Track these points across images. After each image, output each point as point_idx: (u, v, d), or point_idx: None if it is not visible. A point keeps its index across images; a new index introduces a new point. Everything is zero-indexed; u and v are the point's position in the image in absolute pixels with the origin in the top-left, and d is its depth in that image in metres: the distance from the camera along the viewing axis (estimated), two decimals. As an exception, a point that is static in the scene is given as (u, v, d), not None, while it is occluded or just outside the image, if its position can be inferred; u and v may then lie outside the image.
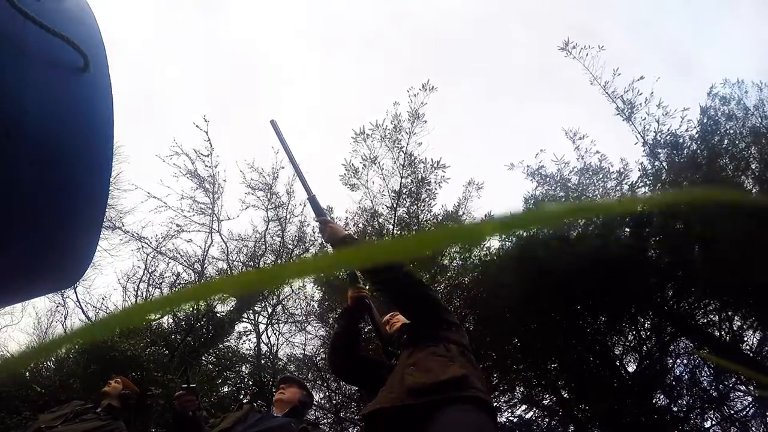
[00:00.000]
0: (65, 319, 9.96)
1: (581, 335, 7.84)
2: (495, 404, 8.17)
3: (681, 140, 8.18)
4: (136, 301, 9.73)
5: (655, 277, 7.09)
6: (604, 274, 6.63)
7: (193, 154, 9.73)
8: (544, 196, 8.86)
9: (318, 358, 9.42)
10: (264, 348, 9.93)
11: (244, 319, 9.92)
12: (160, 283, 9.75)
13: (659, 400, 7.87)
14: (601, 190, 8.76)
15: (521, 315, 7.60)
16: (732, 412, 7.65)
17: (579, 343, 7.75)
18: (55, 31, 0.65)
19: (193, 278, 9.88)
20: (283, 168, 10.05)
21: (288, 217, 10.33)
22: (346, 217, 9.70)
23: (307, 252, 10.33)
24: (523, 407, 8.64)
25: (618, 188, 8.68)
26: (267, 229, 10.32)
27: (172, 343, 8.31)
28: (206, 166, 9.88)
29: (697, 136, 8.16)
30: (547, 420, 8.62)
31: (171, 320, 8.74)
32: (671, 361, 8.05)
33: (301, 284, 9.38)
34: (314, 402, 7.72)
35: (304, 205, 9.97)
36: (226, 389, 8.82)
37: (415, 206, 9.33)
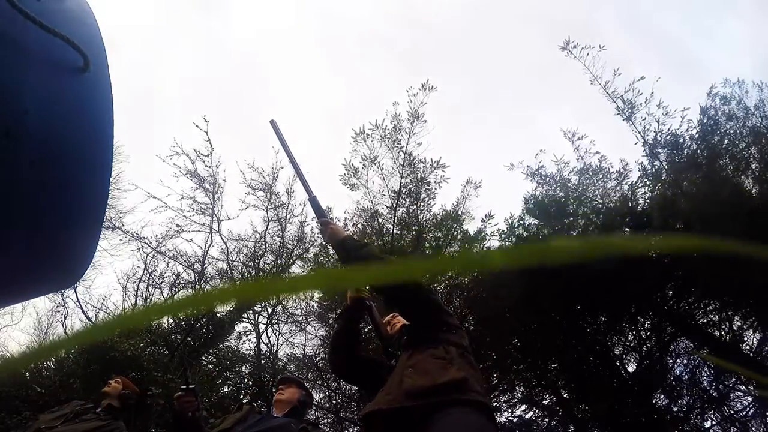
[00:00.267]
0: (65, 319, 9.97)
1: (581, 335, 7.84)
2: (495, 404, 8.17)
3: (681, 140, 8.18)
4: (135, 301, 9.74)
5: (655, 277, 7.09)
6: (604, 274, 6.64)
7: (193, 154, 9.74)
8: (544, 196, 8.86)
9: (318, 358, 9.43)
10: (264, 348, 9.94)
11: (244, 319, 9.92)
12: (160, 283, 9.75)
13: (659, 400, 7.88)
14: (601, 190, 8.76)
15: (521, 315, 7.61)
16: (732, 412, 7.65)
17: (579, 343, 7.76)
18: (55, 31, 0.65)
19: (192, 278, 9.89)
20: (282, 168, 10.06)
21: (288, 217, 10.34)
22: (345, 218, 9.71)
23: (306, 252, 10.33)
24: (523, 407, 8.65)
25: (618, 188, 8.69)
26: (267, 229, 10.33)
27: (172, 343, 8.31)
28: (206, 166, 9.89)
29: (697, 136, 8.16)
30: (547, 420, 8.63)
31: (171, 320, 8.74)
32: (671, 361, 8.06)
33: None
34: (314, 402, 7.72)
35: (304, 205, 9.98)
36: (226, 389, 8.83)
37: (415, 206, 9.33)
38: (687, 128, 8.22)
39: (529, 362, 8.11)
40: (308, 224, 10.17)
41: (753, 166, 7.74)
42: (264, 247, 10.35)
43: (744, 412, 7.58)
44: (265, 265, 10.28)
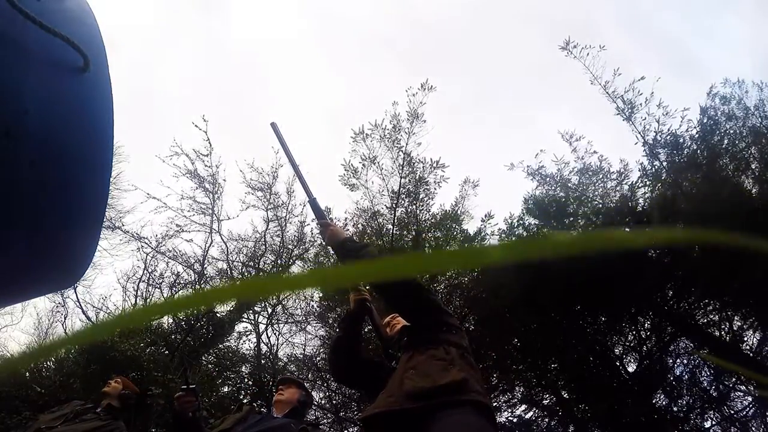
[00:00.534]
0: (65, 319, 9.97)
1: (581, 335, 7.84)
2: (495, 404, 8.17)
3: (681, 140, 8.18)
4: (135, 301, 9.73)
5: (655, 277, 7.09)
6: (604, 274, 6.63)
7: (193, 154, 9.74)
8: (544, 196, 8.86)
9: (318, 358, 9.42)
10: (264, 348, 9.93)
11: (244, 319, 9.92)
12: (160, 283, 9.75)
13: (659, 400, 7.88)
14: (601, 190, 8.76)
15: (521, 315, 7.61)
16: (732, 412, 7.65)
17: (579, 343, 7.76)
18: (55, 31, 0.65)
19: (192, 278, 9.89)
20: (282, 166, 10.05)
21: (287, 217, 10.34)
22: (346, 218, 9.71)
23: (306, 252, 10.33)
24: (523, 407, 8.65)
25: (618, 188, 8.69)
26: (267, 229, 10.33)
27: (172, 343, 8.30)
28: (206, 165, 9.88)
29: (697, 136, 8.17)
30: (547, 420, 8.62)
31: (171, 320, 8.74)
32: (671, 361, 8.05)
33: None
34: (314, 402, 7.72)
35: (304, 205, 9.98)
36: (226, 389, 8.82)
37: (414, 206, 9.32)
38: (687, 128, 8.23)
39: (529, 362, 8.11)
40: (308, 224, 10.18)
41: (753, 166, 7.75)
42: (264, 247, 10.35)
43: (744, 412, 7.59)
44: (265, 265, 10.28)
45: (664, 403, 7.88)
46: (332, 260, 9.01)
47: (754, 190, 7.39)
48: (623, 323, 7.99)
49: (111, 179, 0.79)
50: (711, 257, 6.45)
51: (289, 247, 10.38)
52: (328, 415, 9.16)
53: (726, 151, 7.84)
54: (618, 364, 8.11)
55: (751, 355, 7.53)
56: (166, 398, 5.77)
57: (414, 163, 9.21)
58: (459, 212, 9.49)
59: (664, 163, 8.32)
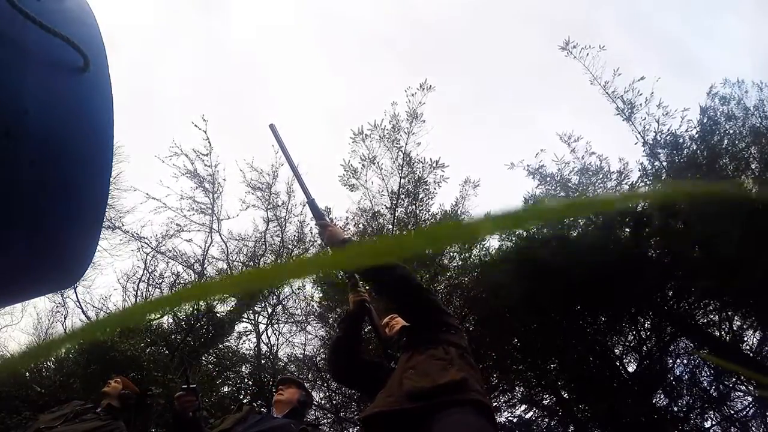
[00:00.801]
0: (65, 319, 9.97)
1: (581, 335, 7.84)
2: (495, 404, 8.17)
3: (681, 140, 8.18)
4: (136, 301, 9.73)
5: (655, 277, 7.09)
6: (604, 274, 6.63)
7: (193, 154, 9.74)
8: (544, 196, 8.86)
9: (318, 358, 9.42)
10: (264, 348, 9.93)
11: (244, 319, 9.92)
12: (160, 283, 9.75)
13: (659, 400, 7.87)
14: (601, 190, 8.75)
15: (521, 315, 7.60)
16: (732, 412, 7.65)
17: (579, 343, 7.75)
18: (55, 31, 0.65)
19: (193, 278, 9.89)
20: (282, 165, 10.06)
21: (287, 216, 10.34)
22: (347, 218, 9.71)
23: (306, 252, 10.33)
24: (523, 407, 8.64)
25: (618, 188, 8.68)
26: (267, 229, 10.33)
27: (172, 343, 8.30)
28: (206, 165, 9.89)
29: (697, 136, 8.16)
30: (547, 420, 8.62)
31: (171, 320, 8.75)
32: (671, 361, 8.05)
33: (301, 284, 9.38)
34: (314, 402, 7.72)
35: (304, 205, 9.98)
36: (226, 389, 8.82)
37: (414, 206, 9.32)
38: (687, 128, 8.23)
39: (529, 362, 8.10)
40: (308, 224, 10.18)
41: (753, 166, 7.75)
42: (264, 247, 10.35)
43: (744, 412, 7.58)
44: (265, 265, 10.27)
45: (664, 403, 7.88)
46: (332, 260, 8.98)
47: (754, 190, 7.38)
48: (623, 323, 7.99)
49: (111, 179, 0.79)
50: (711, 257, 6.45)
51: (289, 246, 10.38)
52: (328, 415, 9.16)
53: (726, 151, 7.84)
54: (618, 364, 8.11)
55: (751, 355, 7.53)
56: (166, 398, 5.77)
57: (413, 163, 9.22)
58: (459, 212, 9.49)
59: (664, 163, 8.32)
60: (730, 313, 7.62)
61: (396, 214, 9.22)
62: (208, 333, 8.93)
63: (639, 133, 8.43)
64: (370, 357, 2.17)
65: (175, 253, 10.00)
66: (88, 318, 9.48)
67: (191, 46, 27.22)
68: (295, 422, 2.43)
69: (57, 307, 9.92)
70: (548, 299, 7.11)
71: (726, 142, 8.02)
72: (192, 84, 25.04)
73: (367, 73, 26.90)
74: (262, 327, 10.08)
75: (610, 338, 8.17)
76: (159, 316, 7.67)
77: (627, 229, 7.58)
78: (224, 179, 10.07)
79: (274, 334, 10.24)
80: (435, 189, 9.34)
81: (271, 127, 2.25)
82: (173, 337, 8.54)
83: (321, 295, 9.49)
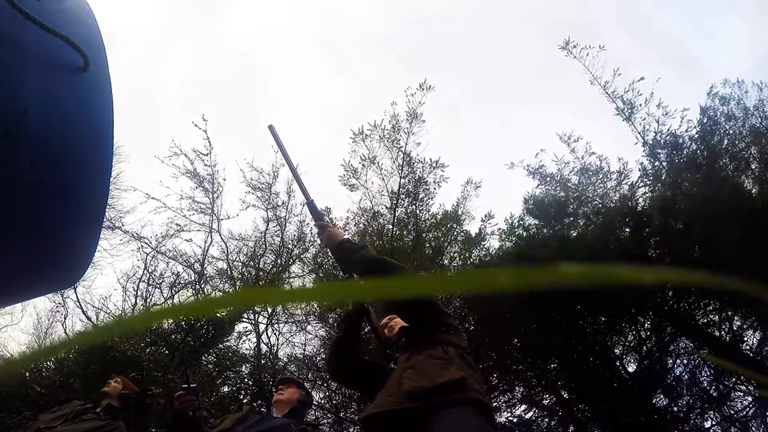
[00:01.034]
0: (65, 319, 9.97)
1: (581, 335, 7.84)
2: (495, 404, 8.17)
3: (681, 140, 8.18)
4: (135, 301, 9.73)
5: (655, 277, 7.08)
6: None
7: (192, 154, 9.74)
8: (544, 196, 8.86)
9: (318, 358, 9.42)
10: (264, 348, 9.93)
11: (244, 319, 9.91)
12: (160, 283, 9.76)
13: (659, 400, 7.88)
14: (601, 190, 8.76)
15: (521, 315, 7.60)
16: (732, 412, 7.65)
17: (579, 343, 7.76)
18: (55, 31, 0.65)
19: (192, 278, 9.89)
20: (282, 165, 10.05)
21: (287, 216, 10.34)
22: (347, 218, 9.70)
23: (306, 252, 10.33)
24: (523, 407, 8.65)
25: (618, 188, 8.69)
26: (267, 228, 10.33)
27: (172, 343, 8.30)
28: (205, 165, 9.88)
29: (697, 136, 8.16)
30: (547, 420, 8.62)
31: (171, 320, 8.74)
32: (671, 361, 8.06)
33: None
34: (314, 402, 7.72)
35: (304, 205, 9.97)
36: (226, 389, 8.82)
37: (414, 206, 9.32)
38: (687, 128, 8.22)
39: (529, 362, 8.11)
40: (308, 224, 10.18)
41: (753, 166, 7.75)
42: (264, 246, 10.35)
43: (744, 412, 7.59)
44: (265, 265, 10.28)
45: (664, 403, 7.88)
46: (331, 261, 9.01)
47: (754, 190, 7.39)
48: (623, 323, 7.99)
49: (111, 179, 0.79)
50: (711, 257, 6.45)
51: (289, 246, 10.38)
52: (328, 415, 9.16)
53: (726, 151, 7.84)
54: (618, 364, 8.12)
55: (751, 355, 7.54)
56: (166, 398, 5.77)
57: (413, 163, 9.21)
58: (460, 212, 9.50)
59: (664, 163, 8.32)
60: (730, 313, 7.62)
61: (396, 214, 9.21)
62: (208, 333, 8.92)
63: (639, 133, 8.43)
64: (370, 358, 2.17)
65: (175, 253, 10.01)
66: (88, 318, 9.48)
67: (191, 46, 27.23)
68: (295, 422, 2.43)
69: (57, 307, 9.93)
70: (548, 299, 7.12)
71: (726, 142, 8.02)
72: (192, 84, 25.04)
73: (367, 73, 26.91)
74: (262, 327, 10.09)
75: (610, 338, 8.17)
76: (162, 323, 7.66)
77: (627, 229, 7.59)
78: (224, 179, 10.08)
79: (274, 334, 10.25)
80: (435, 189, 9.34)
81: (270, 128, 2.26)
82: (173, 337, 8.54)
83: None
